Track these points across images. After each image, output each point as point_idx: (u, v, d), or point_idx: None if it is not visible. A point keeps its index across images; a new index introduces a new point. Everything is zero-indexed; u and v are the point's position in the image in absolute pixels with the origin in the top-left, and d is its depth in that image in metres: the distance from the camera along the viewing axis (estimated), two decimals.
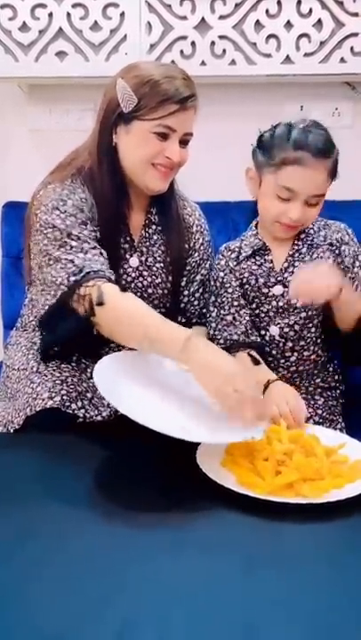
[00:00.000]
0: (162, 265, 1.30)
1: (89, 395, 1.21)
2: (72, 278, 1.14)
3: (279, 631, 0.66)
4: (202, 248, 1.36)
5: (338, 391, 1.34)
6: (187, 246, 1.33)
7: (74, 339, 1.20)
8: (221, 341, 1.29)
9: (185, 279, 1.34)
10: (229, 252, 1.34)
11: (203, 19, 1.75)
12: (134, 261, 1.28)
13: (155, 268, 1.30)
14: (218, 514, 0.88)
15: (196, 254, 1.35)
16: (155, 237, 1.31)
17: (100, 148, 1.23)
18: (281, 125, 1.23)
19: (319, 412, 1.25)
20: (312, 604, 0.70)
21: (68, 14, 1.76)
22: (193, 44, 1.77)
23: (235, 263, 1.32)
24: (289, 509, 0.87)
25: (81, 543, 0.82)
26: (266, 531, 0.85)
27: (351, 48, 1.75)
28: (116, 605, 0.70)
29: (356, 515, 0.88)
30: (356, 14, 1.73)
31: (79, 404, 1.18)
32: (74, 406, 1.17)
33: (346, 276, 1.24)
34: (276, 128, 1.23)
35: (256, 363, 1.24)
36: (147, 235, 1.30)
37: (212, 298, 1.33)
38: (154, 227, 1.31)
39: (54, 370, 1.23)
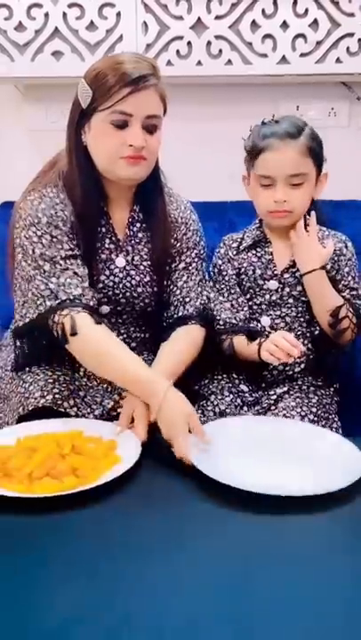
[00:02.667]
0: (149, 263, 1.28)
1: (81, 393, 1.22)
2: (47, 303, 1.16)
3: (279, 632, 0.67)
4: (184, 238, 1.31)
5: (332, 389, 1.34)
6: (172, 240, 1.31)
7: (52, 348, 1.21)
8: (221, 322, 1.31)
9: (173, 267, 1.32)
10: (231, 242, 1.39)
11: (199, 19, 1.75)
12: (120, 261, 1.26)
13: (142, 267, 1.28)
14: (216, 512, 0.89)
15: (178, 244, 1.31)
16: (140, 235, 1.29)
17: (71, 149, 1.22)
18: (256, 125, 1.31)
19: (314, 410, 1.25)
20: (313, 603, 0.71)
21: (64, 14, 1.76)
22: (189, 43, 1.77)
23: (234, 252, 1.36)
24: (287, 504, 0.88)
25: (78, 543, 0.82)
26: (265, 528, 0.85)
27: (347, 48, 1.76)
28: (113, 605, 0.70)
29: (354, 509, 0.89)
30: (351, 14, 1.73)
31: (71, 402, 1.18)
32: (66, 404, 1.17)
33: (337, 284, 1.29)
34: (253, 128, 1.32)
35: (251, 340, 1.27)
36: (131, 233, 1.28)
37: (211, 283, 1.38)
38: (138, 224, 1.29)
39: (46, 369, 1.23)
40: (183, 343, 1.25)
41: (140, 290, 1.27)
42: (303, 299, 1.30)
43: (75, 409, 1.17)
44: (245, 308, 1.33)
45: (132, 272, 1.27)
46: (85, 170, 1.22)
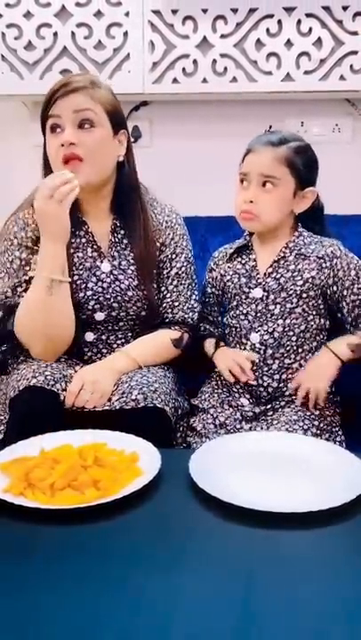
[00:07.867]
0: (135, 267, 1.33)
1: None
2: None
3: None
4: (172, 243, 1.38)
5: (335, 401, 1.34)
6: (158, 244, 1.36)
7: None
8: (201, 329, 1.43)
9: (165, 273, 1.37)
10: (218, 254, 1.44)
11: (204, 38, 1.78)
12: (106, 266, 1.32)
13: (129, 271, 1.33)
14: (215, 525, 0.89)
15: (167, 249, 1.37)
16: (125, 241, 1.34)
17: (43, 167, 1.32)
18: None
19: (316, 423, 1.25)
20: (313, 614, 0.71)
21: (73, 33, 1.80)
22: (195, 62, 1.80)
23: (220, 262, 1.41)
24: (288, 519, 0.88)
25: (77, 557, 0.82)
26: (265, 541, 0.85)
27: (351, 66, 1.78)
28: (114, 620, 0.70)
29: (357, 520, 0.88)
30: (355, 33, 1.75)
31: (63, 384, 1.20)
32: (58, 386, 1.19)
33: (338, 287, 1.31)
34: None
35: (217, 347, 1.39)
36: (116, 240, 1.34)
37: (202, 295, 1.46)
38: (122, 231, 1.35)
39: (40, 360, 1.27)
40: (155, 337, 1.34)
41: (130, 293, 1.32)
42: (289, 306, 1.30)
43: (65, 392, 1.19)
44: (219, 319, 1.43)
45: (121, 276, 1.32)
46: None
